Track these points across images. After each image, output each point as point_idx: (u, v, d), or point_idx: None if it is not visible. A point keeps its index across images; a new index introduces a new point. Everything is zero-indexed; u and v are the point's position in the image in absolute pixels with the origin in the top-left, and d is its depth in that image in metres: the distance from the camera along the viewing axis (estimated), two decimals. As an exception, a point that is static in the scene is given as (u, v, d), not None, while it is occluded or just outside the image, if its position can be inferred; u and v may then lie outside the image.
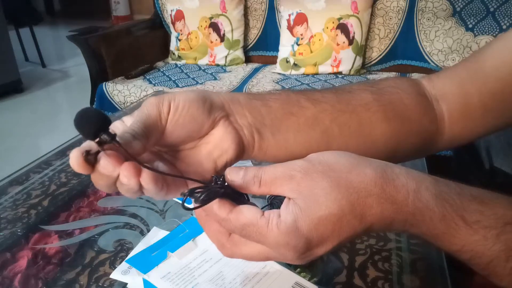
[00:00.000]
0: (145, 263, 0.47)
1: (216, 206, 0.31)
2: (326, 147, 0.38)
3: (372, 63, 1.98)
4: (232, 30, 2.05)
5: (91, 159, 0.30)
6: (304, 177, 0.30)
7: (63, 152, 0.83)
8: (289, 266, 0.49)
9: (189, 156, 0.35)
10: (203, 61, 2.11)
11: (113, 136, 0.28)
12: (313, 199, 0.29)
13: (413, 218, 0.31)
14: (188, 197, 0.30)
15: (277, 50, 2.00)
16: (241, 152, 0.36)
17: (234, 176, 0.31)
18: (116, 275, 0.50)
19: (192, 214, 0.61)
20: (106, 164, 0.30)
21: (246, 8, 2.10)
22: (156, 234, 0.56)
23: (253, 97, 0.38)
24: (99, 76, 1.92)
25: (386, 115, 0.41)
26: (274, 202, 0.57)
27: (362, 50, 1.88)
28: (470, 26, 1.77)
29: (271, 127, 0.37)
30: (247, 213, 0.30)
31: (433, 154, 0.48)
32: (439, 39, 1.82)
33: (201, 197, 0.30)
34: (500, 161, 0.65)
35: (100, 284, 0.49)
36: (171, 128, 0.33)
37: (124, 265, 0.51)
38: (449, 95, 0.44)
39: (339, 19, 1.82)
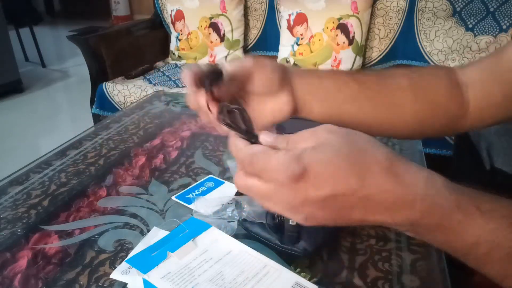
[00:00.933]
0: (145, 263, 0.47)
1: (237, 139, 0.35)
2: (361, 119, 0.49)
3: (372, 63, 1.98)
4: (232, 30, 2.05)
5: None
6: (326, 133, 0.33)
7: (63, 152, 0.83)
8: (289, 266, 0.49)
9: (257, 105, 0.46)
10: (203, 61, 2.11)
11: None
12: (324, 146, 0.31)
13: (423, 205, 0.30)
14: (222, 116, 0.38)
15: (277, 50, 2.00)
16: (294, 114, 0.47)
17: (267, 136, 0.35)
18: (116, 275, 0.50)
19: (192, 214, 0.61)
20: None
21: (246, 8, 2.10)
22: (156, 234, 0.56)
23: (313, 74, 0.49)
24: (99, 76, 1.92)
25: (416, 98, 0.49)
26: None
27: (362, 50, 1.88)
28: (470, 26, 1.77)
29: (321, 99, 0.48)
30: (260, 147, 0.33)
31: (457, 133, 0.59)
32: (439, 39, 1.82)
33: (227, 119, 0.37)
34: (501, 161, 0.65)
35: (100, 284, 0.49)
36: (256, 82, 0.44)
37: (124, 265, 0.51)
38: (476, 83, 0.50)
39: (339, 19, 1.82)
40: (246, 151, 0.33)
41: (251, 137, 0.35)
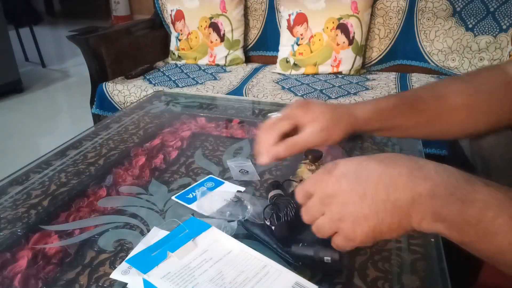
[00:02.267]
0: (145, 263, 0.47)
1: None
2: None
3: (372, 63, 1.98)
4: (232, 30, 2.05)
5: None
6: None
7: (63, 152, 0.83)
8: (289, 265, 0.49)
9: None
10: (203, 61, 2.11)
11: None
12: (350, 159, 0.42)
13: (438, 177, 0.35)
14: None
15: (277, 50, 2.00)
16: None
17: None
18: (116, 275, 0.50)
19: (192, 214, 0.61)
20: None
21: (246, 8, 2.10)
22: (156, 234, 0.56)
23: (376, 120, 0.56)
24: (99, 76, 1.92)
25: (471, 115, 0.56)
26: (277, 202, 0.57)
27: (362, 50, 1.88)
28: (470, 26, 1.77)
29: (379, 131, 0.59)
30: None
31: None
32: (439, 39, 1.82)
33: None
34: (496, 174, 0.65)
35: (100, 284, 0.49)
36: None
37: (124, 265, 0.51)
38: None
39: (339, 19, 1.82)
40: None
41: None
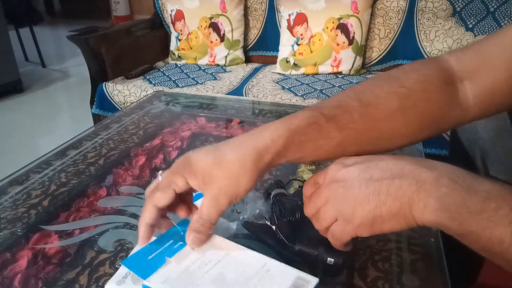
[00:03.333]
0: (144, 267, 0.46)
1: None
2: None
3: (372, 63, 1.98)
4: (232, 30, 2.05)
5: None
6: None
7: (63, 152, 0.83)
8: (289, 264, 0.49)
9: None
10: (203, 61, 2.11)
11: None
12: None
13: (441, 168, 0.36)
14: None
15: (277, 50, 2.00)
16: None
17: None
18: (111, 286, 0.46)
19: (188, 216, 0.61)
20: None
21: (246, 8, 2.10)
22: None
23: (293, 146, 0.43)
24: (99, 76, 1.92)
25: (407, 120, 0.45)
26: (278, 201, 0.57)
27: (362, 50, 1.88)
28: (470, 26, 1.77)
29: (304, 159, 0.45)
30: None
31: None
32: (439, 39, 1.82)
33: None
34: (496, 169, 0.65)
35: (100, 284, 0.49)
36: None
37: (118, 274, 0.48)
38: (477, 71, 0.46)
39: (339, 19, 1.82)
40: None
41: None
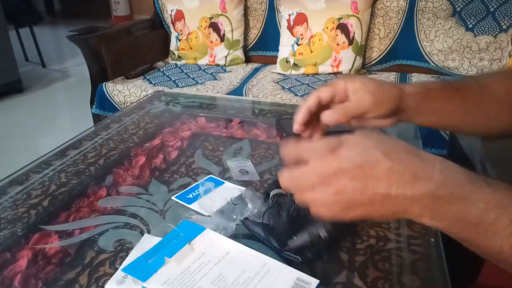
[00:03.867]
0: (143, 270, 0.46)
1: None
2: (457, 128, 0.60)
3: (372, 63, 1.98)
4: (232, 30, 2.05)
5: None
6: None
7: (63, 152, 0.83)
8: (289, 263, 0.49)
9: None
10: (203, 61, 2.11)
11: None
12: (356, 134, 0.39)
13: (439, 177, 0.35)
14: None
15: (277, 50, 2.00)
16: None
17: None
18: (111, 286, 0.48)
19: (189, 218, 0.61)
20: None
21: (246, 8, 2.10)
22: (149, 241, 0.54)
23: (426, 96, 0.54)
24: (99, 76, 1.92)
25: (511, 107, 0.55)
26: (278, 200, 0.57)
27: (362, 50, 1.88)
28: (470, 26, 1.77)
29: (426, 116, 0.55)
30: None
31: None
32: (439, 39, 1.82)
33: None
34: (496, 173, 0.65)
35: (100, 284, 0.49)
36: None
37: (119, 274, 0.49)
38: None
39: (339, 19, 1.82)
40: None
41: None
